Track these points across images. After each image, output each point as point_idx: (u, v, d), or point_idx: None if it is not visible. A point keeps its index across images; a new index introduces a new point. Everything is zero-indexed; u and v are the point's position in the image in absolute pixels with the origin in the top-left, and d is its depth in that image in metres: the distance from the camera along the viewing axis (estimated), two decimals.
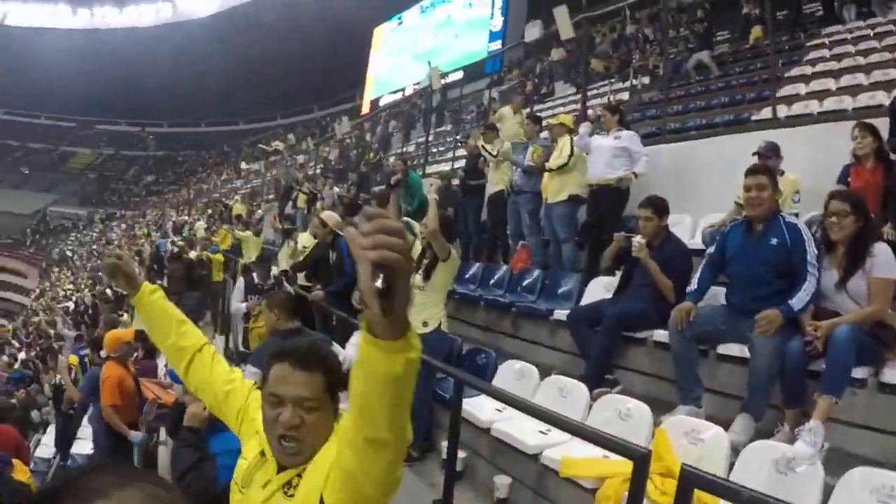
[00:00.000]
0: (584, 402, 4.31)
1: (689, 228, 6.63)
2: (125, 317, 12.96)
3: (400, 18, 37.55)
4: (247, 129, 62.03)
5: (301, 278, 8.12)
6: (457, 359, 5.88)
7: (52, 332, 19.65)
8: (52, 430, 10.45)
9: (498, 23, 28.50)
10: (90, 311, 19.42)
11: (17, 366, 18.53)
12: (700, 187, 6.91)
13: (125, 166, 67.67)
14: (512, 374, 5.20)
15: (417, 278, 5.19)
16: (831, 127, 6.38)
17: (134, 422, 6.07)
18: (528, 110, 9.95)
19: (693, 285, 4.38)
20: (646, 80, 14.49)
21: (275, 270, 8.98)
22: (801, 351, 3.58)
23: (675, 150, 7.67)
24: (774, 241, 3.95)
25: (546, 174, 7.37)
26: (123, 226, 45.56)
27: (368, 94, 37.66)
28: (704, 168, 7.00)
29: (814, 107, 8.70)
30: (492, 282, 7.95)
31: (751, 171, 4.17)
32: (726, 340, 4.21)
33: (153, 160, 67.57)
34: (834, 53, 11.03)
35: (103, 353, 6.52)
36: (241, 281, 7.99)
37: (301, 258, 8.39)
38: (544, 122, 8.97)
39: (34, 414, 12.34)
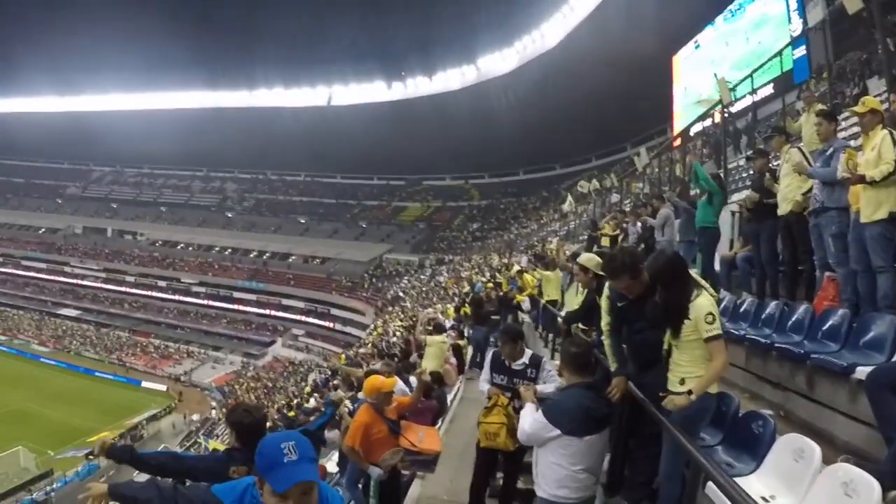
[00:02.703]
0: None
1: None
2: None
3: (696, 42, 35.39)
4: (563, 174, 64.97)
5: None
6: (731, 422, 4.66)
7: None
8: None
9: (797, 27, 25.26)
10: (400, 347, 20.38)
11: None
12: None
13: (451, 216, 72.95)
14: (790, 453, 3.82)
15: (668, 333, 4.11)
16: None
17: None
18: (820, 106, 8.07)
19: None
20: None
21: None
22: None
23: None
24: None
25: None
26: (451, 269, 48.62)
27: (678, 124, 35.97)
28: None
29: None
30: (789, 325, 6.25)
31: None
32: None
33: (477, 209, 72.45)
34: None
35: (360, 395, 6.35)
36: (490, 355, 6.24)
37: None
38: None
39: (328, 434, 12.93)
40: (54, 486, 31.71)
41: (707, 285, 4.17)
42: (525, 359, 5.70)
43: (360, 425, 5.87)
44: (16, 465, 34.01)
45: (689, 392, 3.84)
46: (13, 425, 40.41)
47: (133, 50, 76.54)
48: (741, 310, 7.24)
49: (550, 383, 5.49)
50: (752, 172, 14.96)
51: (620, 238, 13.41)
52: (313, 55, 70.71)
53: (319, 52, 69.86)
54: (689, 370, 3.99)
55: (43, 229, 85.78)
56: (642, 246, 11.96)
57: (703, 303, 3.91)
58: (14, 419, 41.88)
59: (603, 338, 5.01)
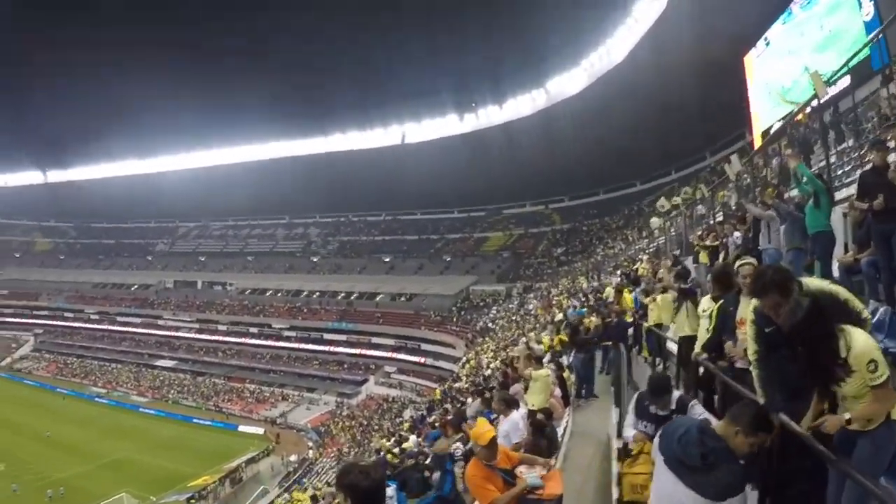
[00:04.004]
0: None
1: None
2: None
3: (766, 39, 33.82)
4: (644, 189, 64.47)
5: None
6: None
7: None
8: None
9: (869, 10, 23.67)
10: (497, 379, 19.90)
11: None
12: None
13: (534, 243, 72.97)
14: None
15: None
16: None
17: None
18: None
19: None
20: None
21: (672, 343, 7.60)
22: None
23: None
24: None
25: None
26: (540, 296, 48.51)
27: (757, 127, 34.56)
28: None
29: None
30: None
31: None
32: None
33: (560, 233, 72.24)
34: None
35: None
36: (634, 399, 5.81)
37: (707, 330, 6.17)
38: None
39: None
40: None
41: (857, 305, 3.66)
42: (672, 404, 5.24)
43: (478, 481, 5.30)
44: None
45: (849, 421, 3.36)
46: (117, 473, 41.78)
47: (207, 108, 79.66)
48: (874, 320, 6.64)
49: None
50: (848, 168, 14.18)
51: (721, 252, 12.59)
52: (384, 96, 72.26)
53: (390, 91, 71.09)
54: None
55: (135, 286, 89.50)
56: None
57: (860, 350, 3.26)
58: (117, 467, 43.22)
59: (751, 368, 4.43)
